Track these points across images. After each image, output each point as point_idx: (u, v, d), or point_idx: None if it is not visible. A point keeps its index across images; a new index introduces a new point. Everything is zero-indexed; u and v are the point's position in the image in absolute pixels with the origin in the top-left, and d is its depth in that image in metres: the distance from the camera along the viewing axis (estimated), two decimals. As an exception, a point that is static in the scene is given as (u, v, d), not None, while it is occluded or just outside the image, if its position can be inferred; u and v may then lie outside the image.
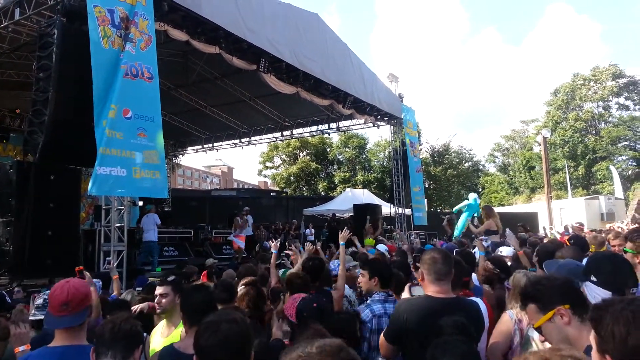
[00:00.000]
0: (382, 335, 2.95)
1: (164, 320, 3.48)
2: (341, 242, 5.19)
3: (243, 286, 3.92)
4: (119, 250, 8.46)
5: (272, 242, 6.34)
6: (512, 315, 3.02)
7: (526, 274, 3.34)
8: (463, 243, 9.61)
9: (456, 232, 13.56)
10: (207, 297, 3.02)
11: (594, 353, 1.50)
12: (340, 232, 5.37)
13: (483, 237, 8.90)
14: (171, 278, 3.90)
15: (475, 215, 14.03)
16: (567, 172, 29.84)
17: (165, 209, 17.43)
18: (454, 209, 14.63)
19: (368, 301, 3.72)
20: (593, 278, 2.52)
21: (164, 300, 3.49)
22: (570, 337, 1.94)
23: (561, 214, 27.55)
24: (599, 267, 2.57)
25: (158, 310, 3.52)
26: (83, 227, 12.28)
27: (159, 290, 3.59)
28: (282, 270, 5.58)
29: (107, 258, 8.28)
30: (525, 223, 15.12)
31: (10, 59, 11.54)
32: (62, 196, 8.27)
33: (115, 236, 8.45)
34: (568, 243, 4.88)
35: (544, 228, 11.99)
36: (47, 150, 7.22)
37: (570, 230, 13.74)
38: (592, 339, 1.53)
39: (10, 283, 7.90)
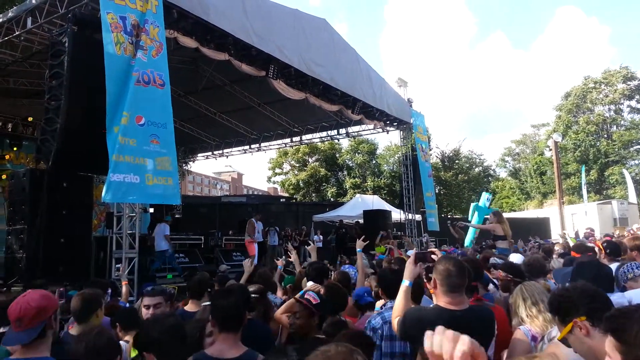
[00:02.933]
0: None
1: None
2: (358, 249, 5.23)
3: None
4: (131, 257, 8.47)
5: (291, 253, 6.25)
6: (526, 332, 2.95)
7: (521, 288, 3.28)
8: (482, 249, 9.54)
9: (467, 242, 13.48)
10: (237, 301, 2.93)
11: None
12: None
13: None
14: (161, 288, 3.86)
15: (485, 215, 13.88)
16: (582, 176, 29.52)
17: (176, 216, 17.46)
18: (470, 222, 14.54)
19: (382, 309, 3.67)
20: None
21: (158, 311, 3.48)
22: (594, 349, 1.90)
23: (573, 219, 27.29)
24: (582, 273, 2.71)
25: None
26: (95, 234, 12.35)
27: (151, 301, 3.57)
28: (288, 276, 5.58)
29: (117, 265, 8.30)
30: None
31: (23, 68, 11.66)
32: (75, 203, 8.32)
33: (126, 243, 8.47)
34: (603, 249, 4.84)
35: (562, 235, 11.84)
36: (60, 157, 7.27)
37: (581, 236, 13.65)
38: (609, 349, 1.50)
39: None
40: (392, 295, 3.61)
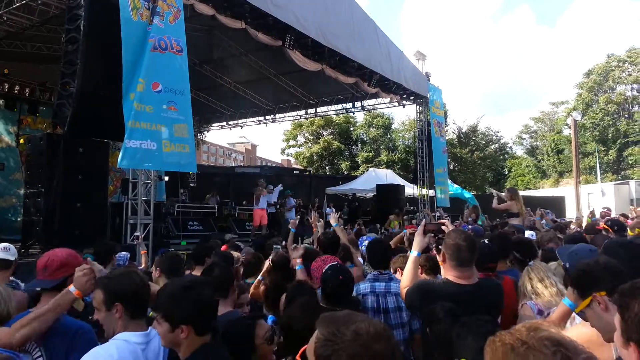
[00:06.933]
0: None
1: None
2: (334, 224, 5.30)
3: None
4: (145, 224, 8.58)
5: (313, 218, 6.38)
6: (533, 307, 2.99)
7: (527, 271, 3.26)
8: (495, 227, 9.42)
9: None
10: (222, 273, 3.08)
11: (617, 336, 1.45)
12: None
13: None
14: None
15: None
16: (597, 156, 29.08)
17: (191, 184, 17.59)
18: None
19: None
20: None
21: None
22: (612, 324, 1.86)
23: (589, 199, 27.00)
24: (615, 253, 2.54)
25: None
26: (111, 199, 12.51)
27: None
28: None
29: (135, 233, 8.40)
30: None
31: (40, 32, 11.66)
32: (91, 168, 8.41)
33: (142, 209, 8.56)
34: (609, 227, 4.81)
35: (579, 218, 11.62)
36: (75, 122, 7.31)
37: (597, 216, 13.47)
38: (616, 322, 1.48)
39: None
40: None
